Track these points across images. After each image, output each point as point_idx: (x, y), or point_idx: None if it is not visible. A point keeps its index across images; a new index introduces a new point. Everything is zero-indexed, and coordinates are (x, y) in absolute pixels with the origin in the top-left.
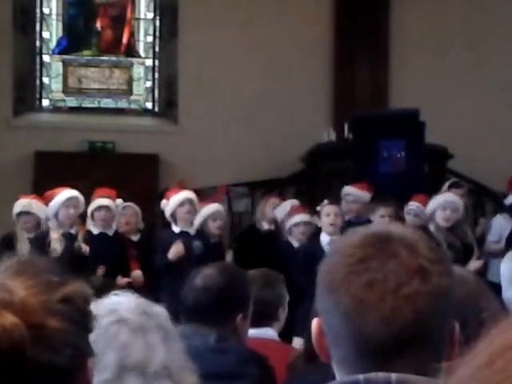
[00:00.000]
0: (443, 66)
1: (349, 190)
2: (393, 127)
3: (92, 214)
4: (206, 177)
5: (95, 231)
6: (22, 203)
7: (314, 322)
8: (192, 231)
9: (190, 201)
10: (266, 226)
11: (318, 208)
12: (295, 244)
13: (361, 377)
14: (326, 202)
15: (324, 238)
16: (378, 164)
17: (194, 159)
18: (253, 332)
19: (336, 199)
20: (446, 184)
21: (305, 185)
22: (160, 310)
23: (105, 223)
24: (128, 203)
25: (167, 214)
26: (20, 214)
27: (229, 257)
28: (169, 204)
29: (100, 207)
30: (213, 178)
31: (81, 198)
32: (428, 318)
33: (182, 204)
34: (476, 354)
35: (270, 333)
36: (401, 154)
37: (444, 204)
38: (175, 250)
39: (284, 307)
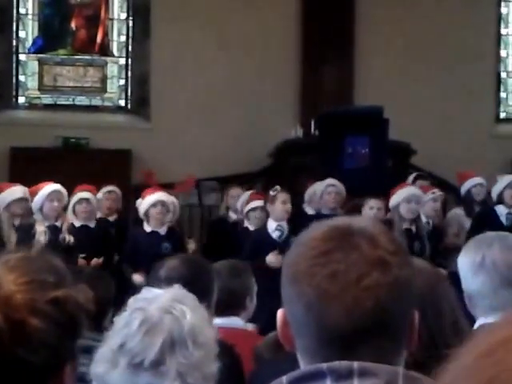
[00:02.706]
0: (406, 65)
1: (332, 181)
2: (357, 124)
3: (74, 207)
4: (178, 172)
5: (77, 224)
6: (22, 190)
7: (279, 312)
8: (162, 231)
9: (162, 202)
10: (233, 216)
11: (272, 193)
12: (251, 228)
13: (324, 365)
14: (278, 188)
15: (271, 224)
16: (343, 159)
17: (166, 155)
18: (220, 321)
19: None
20: (411, 177)
21: (273, 179)
22: (188, 314)
23: (86, 215)
24: (112, 187)
25: (140, 212)
26: (14, 201)
27: (192, 246)
28: (142, 203)
29: (81, 200)
30: (184, 173)
31: (63, 191)
32: (388, 308)
33: (154, 205)
34: (477, 343)
35: (237, 322)
36: (365, 150)
37: (408, 197)
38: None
39: (251, 296)
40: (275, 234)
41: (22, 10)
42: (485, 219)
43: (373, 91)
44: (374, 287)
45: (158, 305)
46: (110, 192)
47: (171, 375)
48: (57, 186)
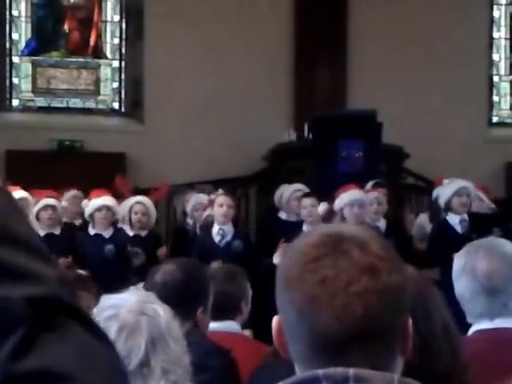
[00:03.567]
0: (400, 68)
1: (300, 186)
2: (351, 128)
3: (37, 214)
4: (172, 175)
5: (41, 232)
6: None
7: (274, 320)
8: (106, 234)
9: (106, 207)
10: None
11: (212, 196)
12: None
13: (320, 372)
14: (220, 191)
15: (215, 228)
16: (336, 163)
17: (160, 158)
18: (216, 325)
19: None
20: (370, 183)
21: (267, 183)
22: (161, 311)
23: (50, 222)
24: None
25: (86, 215)
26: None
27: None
28: (88, 206)
29: (46, 207)
30: (178, 176)
31: (29, 198)
32: (379, 314)
33: (99, 209)
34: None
35: (233, 326)
36: (359, 154)
37: (351, 202)
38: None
39: (247, 301)
40: (217, 239)
41: (14, 12)
42: (440, 233)
43: (366, 95)
44: (363, 293)
45: (129, 308)
46: (75, 197)
47: (157, 374)
48: (21, 194)
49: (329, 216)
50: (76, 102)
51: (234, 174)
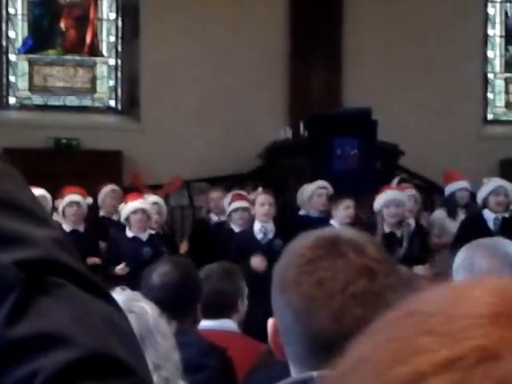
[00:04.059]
0: (394, 66)
1: (323, 184)
2: (346, 126)
3: (63, 211)
4: (168, 172)
5: (67, 228)
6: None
7: (270, 322)
8: (144, 237)
9: (142, 210)
10: (214, 218)
11: (252, 196)
12: (236, 229)
13: (315, 373)
14: (260, 190)
15: (256, 226)
16: (332, 161)
17: (156, 155)
18: (212, 324)
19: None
20: (395, 180)
21: (262, 180)
22: (148, 309)
23: (74, 219)
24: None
25: (122, 218)
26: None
27: (184, 247)
28: (124, 209)
29: (71, 203)
30: (174, 174)
31: (48, 196)
32: (375, 315)
33: (134, 212)
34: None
35: (229, 324)
36: (354, 152)
37: (386, 202)
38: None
39: (243, 299)
40: (259, 236)
41: (11, 10)
42: (473, 224)
43: (361, 93)
44: (360, 295)
45: None
46: (113, 191)
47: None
48: (40, 191)
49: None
50: (72, 100)
51: (229, 172)
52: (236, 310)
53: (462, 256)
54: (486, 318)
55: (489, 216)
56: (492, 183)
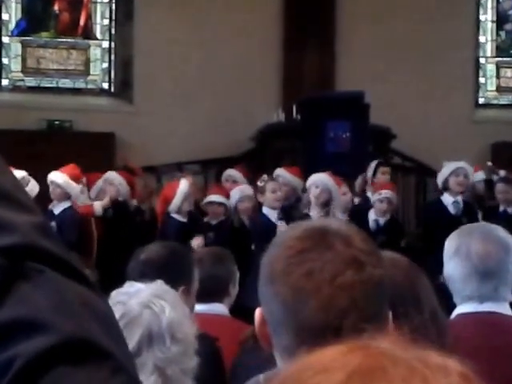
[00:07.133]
0: (387, 51)
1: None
2: (339, 109)
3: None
4: (160, 155)
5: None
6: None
7: (257, 312)
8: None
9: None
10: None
11: (260, 184)
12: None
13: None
14: (266, 177)
15: (268, 212)
16: (324, 144)
17: (149, 138)
18: (203, 307)
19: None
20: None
21: (255, 163)
22: (168, 309)
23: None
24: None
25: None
26: None
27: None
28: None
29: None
30: (166, 156)
31: (33, 181)
32: (363, 306)
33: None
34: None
35: (220, 308)
36: (346, 135)
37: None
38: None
39: (234, 283)
40: (278, 223)
41: None
42: (433, 209)
43: (354, 77)
44: (348, 285)
45: (138, 300)
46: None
47: (148, 368)
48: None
49: None
50: (66, 82)
51: (221, 155)
52: (228, 294)
53: (453, 243)
54: None
55: (448, 200)
56: (452, 164)
